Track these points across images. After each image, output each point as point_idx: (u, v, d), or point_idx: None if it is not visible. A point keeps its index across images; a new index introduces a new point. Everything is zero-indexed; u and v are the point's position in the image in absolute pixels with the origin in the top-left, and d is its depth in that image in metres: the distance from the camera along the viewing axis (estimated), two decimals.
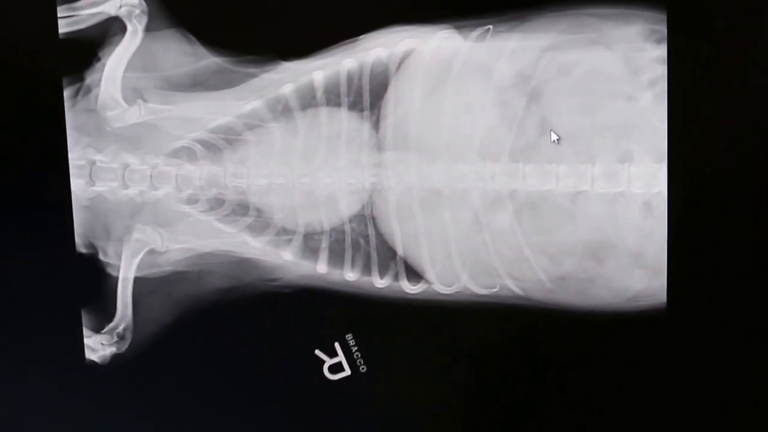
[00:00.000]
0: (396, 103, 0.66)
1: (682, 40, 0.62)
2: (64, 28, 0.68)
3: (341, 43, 0.65)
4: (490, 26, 0.64)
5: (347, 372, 0.68)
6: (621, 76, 0.63)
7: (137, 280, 0.70)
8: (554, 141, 0.64)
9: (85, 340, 0.71)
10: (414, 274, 0.66)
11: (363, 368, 0.68)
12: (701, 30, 0.62)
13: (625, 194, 0.63)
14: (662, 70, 0.62)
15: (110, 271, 0.70)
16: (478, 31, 0.64)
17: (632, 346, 0.64)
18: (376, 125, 0.66)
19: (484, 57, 0.64)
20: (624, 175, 0.63)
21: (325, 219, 0.67)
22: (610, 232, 0.64)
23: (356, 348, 0.68)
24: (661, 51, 0.62)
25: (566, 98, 0.63)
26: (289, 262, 0.68)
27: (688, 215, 0.63)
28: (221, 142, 0.68)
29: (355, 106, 0.66)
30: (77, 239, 0.70)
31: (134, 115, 0.68)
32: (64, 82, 0.68)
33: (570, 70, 0.63)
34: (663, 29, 0.62)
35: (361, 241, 0.67)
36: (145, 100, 0.68)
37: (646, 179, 0.63)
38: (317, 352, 0.68)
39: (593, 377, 0.65)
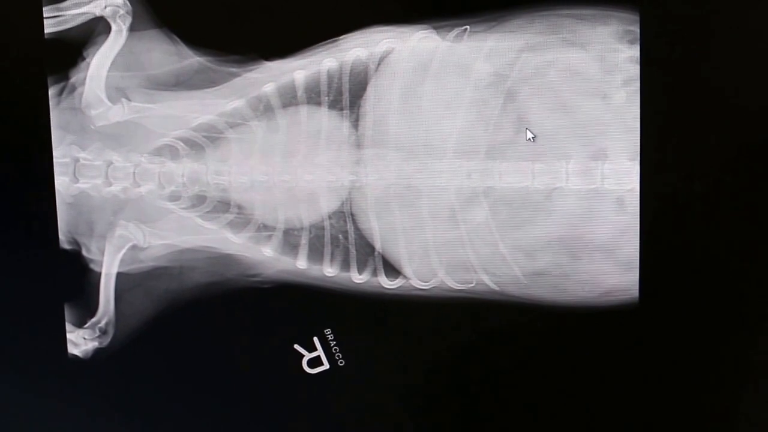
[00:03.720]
0: (375, 101, 0.62)
1: (654, 41, 0.59)
2: (49, 28, 0.65)
3: (322, 43, 0.62)
4: (468, 27, 0.60)
5: (326, 366, 0.64)
6: (595, 75, 0.59)
7: (120, 276, 0.66)
8: (530, 139, 0.60)
9: (68, 335, 0.67)
10: (392, 269, 0.63)
11: (341, 362, 0.64)
12: (673, 31, 0.58)
13: (598, 191, 0.60)
14: (635, 70, 0.59)
15: (93, 266, 0.66)
16: (456, 32, 0.61)
17: (606, 340, 0.61)
18: (355, 124, 0.62)
19: (462, 57, 0.61)
20: (598, 173, 0.60)
21: (305, 215, 0.64)
22: (584, 228, 0.60)
23: (334, 342, 0.64)
24: (635, 51, 0.59)
25: (542, 97, 0.60)
26: (269, 258, 0.64)
27: (660, 211, 0.59)
28: (203, 140, 0.65)
29: (335, 104, 0.63)
30: (61, 235, 0.66)
31: (118, 113, 0.65)
32: (49, 80, 0.65)
33: (546, 69, 0.60)
34: (636, 30, 0.59)
35: (340, 237, 0.63)
36: (128, 99, 0.65)
37: (619, 176, 0.60)
38: (296, 346, 0.65)
39: (567, 371, 0.62)
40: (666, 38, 0.58)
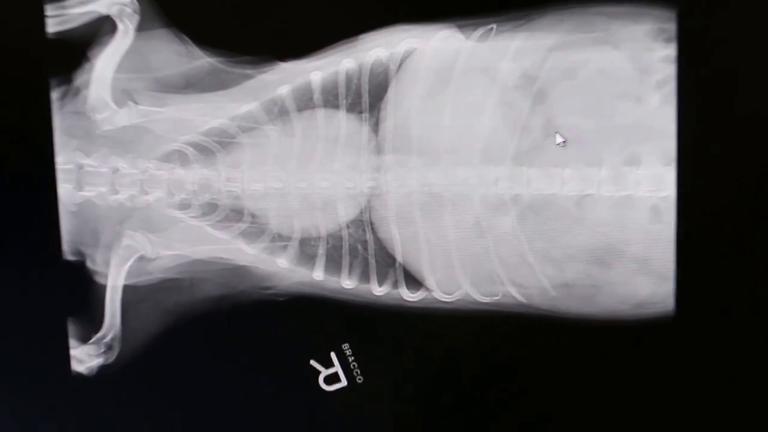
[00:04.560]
0: (396, 104, 0.60)
1: (691, 39, 0.56)
2: (52, 27, 0.62)
3: (340, 42, 0.60)
4: (494, 25, 0.58)
5: (343, 383, 0.62)
6: (629, 76, 0.57)
7: (126, 288, 0.64)
8: (560, 144, 0.58)
9: (72, 351, 0.65)
10: (413, 281, 0.61)
11: (360, 379, 0.62)
12: (712, 28, 0.56)
13: (632, 198, 0.58)
14: (671, 71, 0.57)
15: (98, 279, 0.64)
16: (481, 31, 0.59)
17: (639, 355, 0.59)
18: (375, 128, 0.60)
19: (488, 57, 0.59)
20: (631, 179, 0.58)
21: (322, 224, 0.61)
22: (616, 237, 0.58)
23: (353, 358, 0.62)
24: (670, 50, 0.57)
25: (572, 99, 0.58)
26: (284, 269, 0.62)
27: (696, 219, 0.57)
28: (215, 146, 0.62)
29: (354, 107, 0.61)
30: (64, 246, 0.64)
31: (124, 117, 0.63)
32: (52, 83, 0.63)
33: (576, 70, 0.58)
34: (672, 28, 0.57)
35: (359, 247, 0.61)
36: (135, 102, 0.63)
37: (653, 182, 0.58)
38: (312, 362, 0.62)
39: (599, 387, 0.60)
40: (703, 36, 0.56)
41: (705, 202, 0.57)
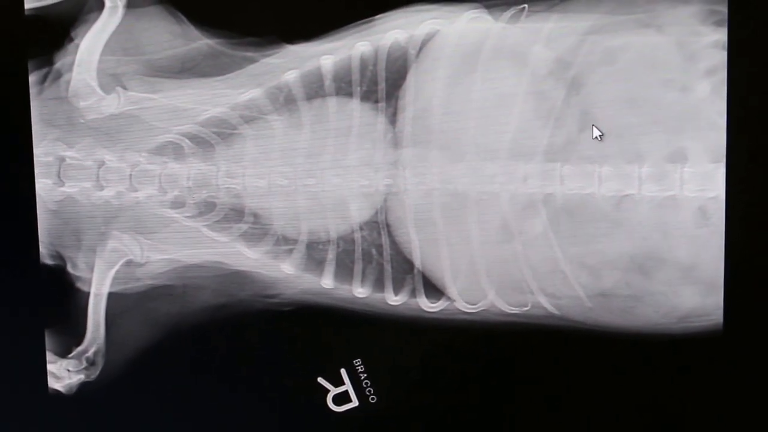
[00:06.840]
0: (416, 93, 0.57)
1: (744, 23, 0.53)
2: (30, 2, 0.60)
3: (354, 23, 0.57)
4: (525, 5, 0.56)
5: (354, 403, 0.59)
6: (674, 63, 0.55)
7: (112, 296, 0.61)
8: (596, 138, 0.55)
9: (48, 366, 0.62)
10: (433, 289, 0.58)
11: (373, 398, 0.59)
12: (767, 11, 0.54)
13: (676, 199, 0.55)
14: (721, 57, 0.54)
15: (80, 285, 0.61)
16: (511, 11, 0.56)
17: (684, 372, 0.56)
18: (392, 119, 0.58)
19: (518, 41, 0.56)
20: (676, 177, 0.55)
21: (332, 226, 0.59)
22: (659, 243, 0.56)
23: (365, 375, 0.59)
24: (721, 35, 0.54)
25: (611, 89, 0.56)
26: (289, 276, 0.60)
27: (747, 223, 0.54)
28: (213, 137, 0.60)
29: (369, 96, 0.58)
30: (42, 248, 0.61)
31: (112, 104, 0.60)
32: (30, 65, 0.60)
33: (616, 56, 0.56)
34: (723, 10, 0.54)
35: (374, 251, 0.59)
36: (125, 88, 0.60)
37: (700, 181, 0.55)
38: (320, 379, 0.60)
39: (638, 408, 0.56)
40: (757, 20, 0.54)
41: (757, 204, 0.54)
